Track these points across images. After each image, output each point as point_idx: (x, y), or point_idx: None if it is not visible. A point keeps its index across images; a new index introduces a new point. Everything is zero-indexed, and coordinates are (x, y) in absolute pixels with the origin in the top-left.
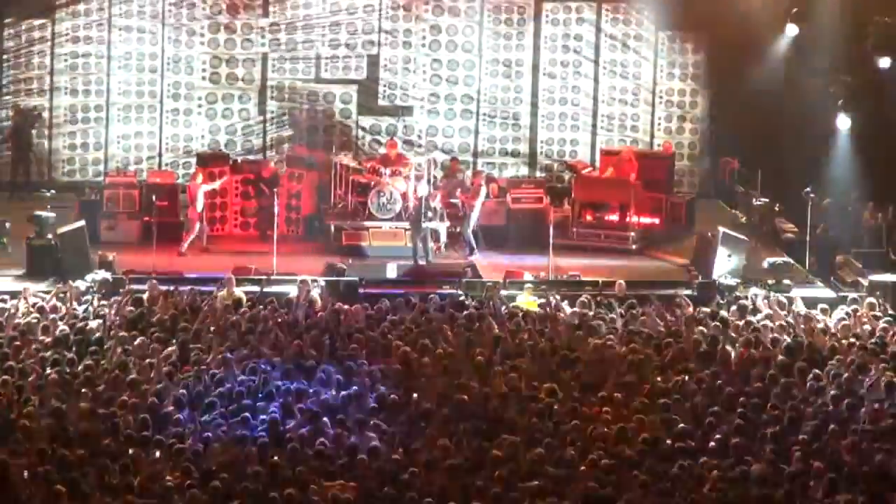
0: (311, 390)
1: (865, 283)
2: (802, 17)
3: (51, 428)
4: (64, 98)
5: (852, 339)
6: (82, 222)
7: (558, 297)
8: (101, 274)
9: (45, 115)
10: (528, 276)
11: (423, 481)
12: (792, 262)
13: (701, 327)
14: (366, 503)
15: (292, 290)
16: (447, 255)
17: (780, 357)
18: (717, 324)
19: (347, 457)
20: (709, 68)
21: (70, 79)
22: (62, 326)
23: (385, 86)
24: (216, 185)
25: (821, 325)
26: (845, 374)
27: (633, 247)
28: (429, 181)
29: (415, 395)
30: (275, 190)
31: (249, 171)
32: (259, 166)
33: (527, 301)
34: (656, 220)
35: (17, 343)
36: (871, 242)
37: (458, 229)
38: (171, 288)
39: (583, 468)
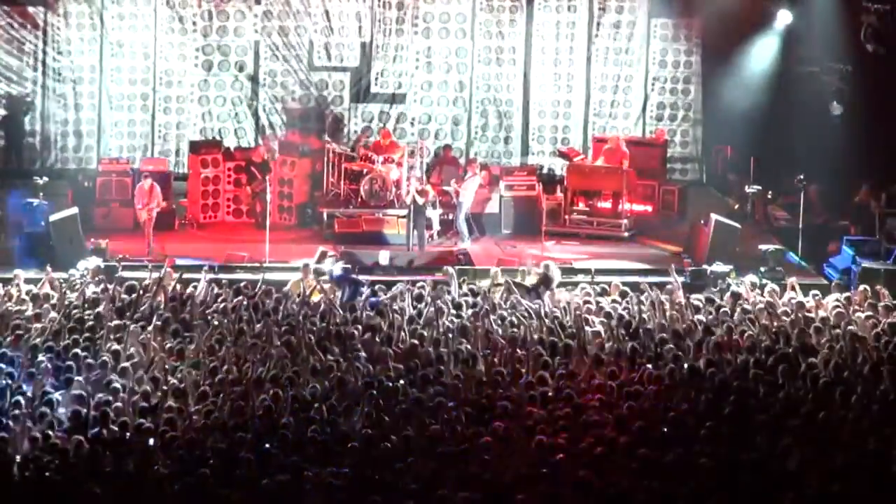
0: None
1: (858, 270)
2: (795, 5)
3: (43, 416)
4: (56, 85)
5: (846, 327)
6: (75, 210)
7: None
8: (94, 261)
9: (38, 102)
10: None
11: (416, 468)
12: (785, 249)
13: (693, 315)
14: (358, 490)
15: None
16: (440, 243)
17: (773, 344)
18: (710, 311)
19: (339, 444)
20: (701, 56)
21: (63, 66)
22: (54, 314)
23: (377, 73)
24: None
25: (813, 313)
26: (837, 361)
27: (626, 234)
28: (422, 169)
29: (401, 381)
30: (266, 175)
31: (241, 158)
32: (250, 152)
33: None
34: (649, 208)
35: (9, 330)
36: (865, 230)
37: (450, 216)
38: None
39: (576, 456)
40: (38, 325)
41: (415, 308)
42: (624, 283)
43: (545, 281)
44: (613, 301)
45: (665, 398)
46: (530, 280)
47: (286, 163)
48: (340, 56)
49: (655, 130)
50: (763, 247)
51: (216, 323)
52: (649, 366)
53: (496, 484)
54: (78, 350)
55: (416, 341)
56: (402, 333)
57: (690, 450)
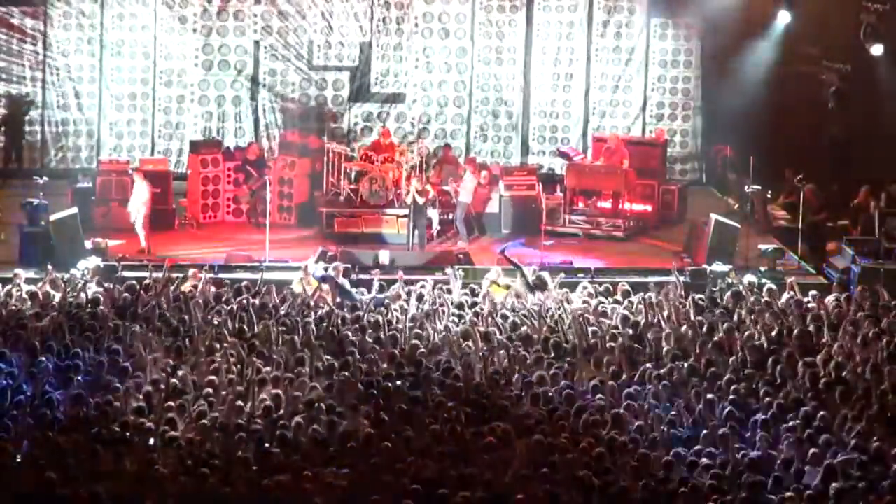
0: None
1: (858, 270)
2: (794, 4)
3: (43, 415)
4: (56, 85)
5: (846, 327)
6: (75, 209)
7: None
8: (94, 260)
9: (38, 102)
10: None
11: (416, 468)
12: (784, 248)
13: (694, 314)
14: (358, 490)
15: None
16: (440, 243)
17: (773, 344)
18: (711, 311)
19: (340, 444)
20: (701, 55)
21: (63, 66)
22: (55, 313)
23: (377, 73)
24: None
25: (813, 312)
26: (838, 361)
27: (626, 234)
28: (422, 169)
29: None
30: (263, 172)
31: (238, 157)
32: (245, 151)
33: (493, 287)
34: (649, 208)
35: (10, 330)
36: (865, 230)
37: (450, 216)
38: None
39: (575, 455)
40: (39, 325)
41: (416, 308)
42: (625, 284)
43: (541, 285)
44: (615, 301)
45: (664, 399)
46: (529, 279)
47: (286, 162)
48: (340, 56)
49: (655, 130)
50: (763, 247)
51: (216, 322)
52: (649, 365)
53: (496, 484)
54: (78, 350)
55: (416, 342)
56: (403, 334)
57: (689, 450)
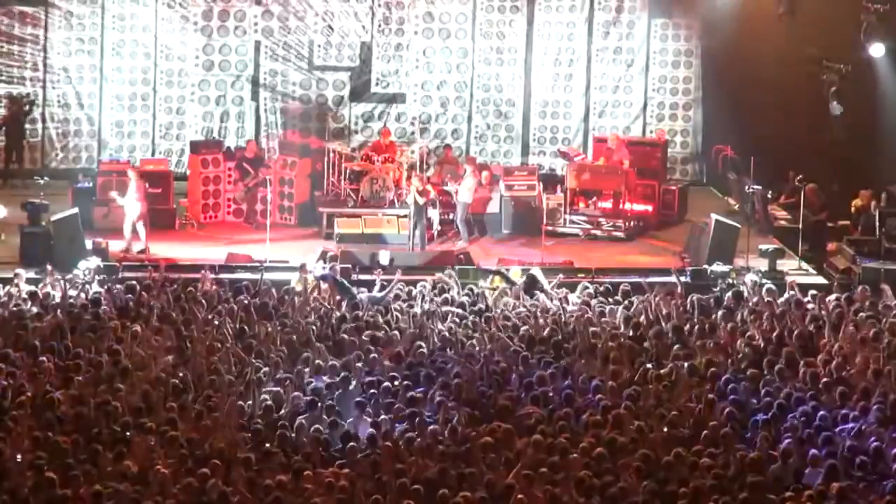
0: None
1: (858, 270)
2: (795, 5)
3: (44, 415)
4: (57, 85)
5: (846, 327)
6: (76, 209)
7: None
8: (95, 261)
9: (38, 102)
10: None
11: (417, 468)
12: (785, 248)
13: (694, 314)
14: (358, 490)
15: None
16: (440, 243)
17: (773, 344)
18: (711, 311)
19: (341, 444)
20: (701, 56)
21: (63, 66)
22: (56, 314)
23: (378, 73)
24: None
25: (813, 312)
26: (838, 361)
27: (626, 234)
28: (422, 169)
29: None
30: (259, 171)
31: (237, 156)
32: (243, 149)
33: (491, 286)
34: (649, 208)
35: (11, 330)
36: (865, 230)
37: (451, 216)
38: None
39: (575, 455)
40: (40, 325)
41: (417, 307)
42: (625, 284)
43: (532, 283)
44: (615, 301)
45: (665, 399)
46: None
47: (286, 162)
48: (340, 56)
49: (655, 130)
50: (763, 247)
51: (216, 322)
52: (649, 365)
53: (496, 484)
54: (79, 350)
55: (417, 342)
56: (404, 333)
57: (690, 450)
